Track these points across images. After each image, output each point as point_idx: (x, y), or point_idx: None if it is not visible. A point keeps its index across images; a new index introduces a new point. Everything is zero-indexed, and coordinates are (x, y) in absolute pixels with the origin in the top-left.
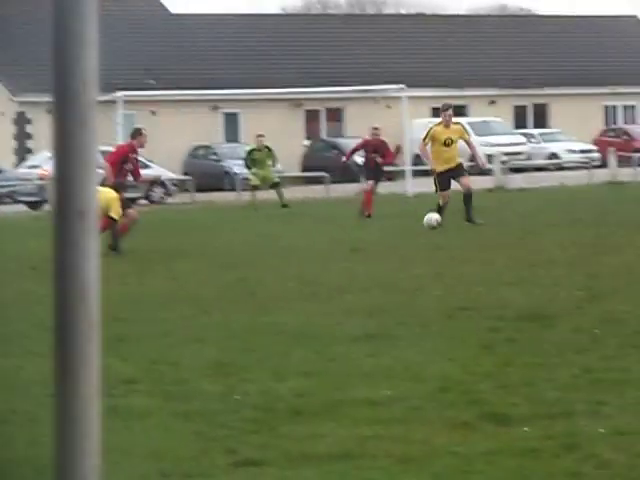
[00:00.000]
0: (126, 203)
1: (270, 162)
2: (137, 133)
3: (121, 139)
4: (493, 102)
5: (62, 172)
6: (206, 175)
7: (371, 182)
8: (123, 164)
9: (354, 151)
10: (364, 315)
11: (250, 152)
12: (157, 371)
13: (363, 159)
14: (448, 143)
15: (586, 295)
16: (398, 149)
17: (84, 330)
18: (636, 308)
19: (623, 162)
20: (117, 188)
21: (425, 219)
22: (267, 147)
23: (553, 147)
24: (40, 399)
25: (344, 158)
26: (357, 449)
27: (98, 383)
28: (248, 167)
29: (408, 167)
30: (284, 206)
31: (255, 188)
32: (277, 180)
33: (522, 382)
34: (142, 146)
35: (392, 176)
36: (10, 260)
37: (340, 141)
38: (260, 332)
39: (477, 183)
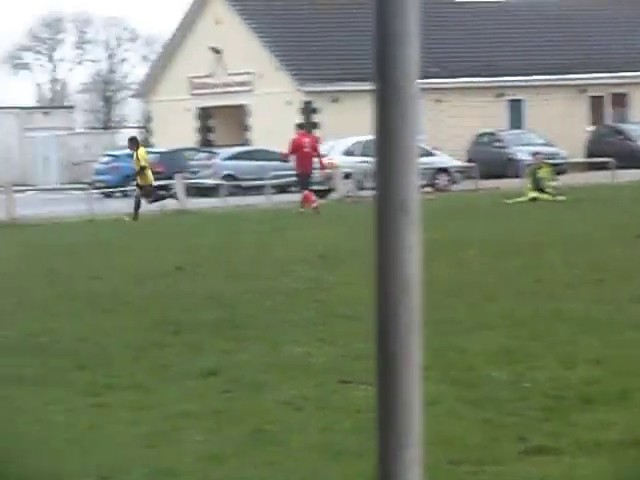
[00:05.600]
0: None
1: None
2: None
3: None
4: None
5: (384, 165)
6: (490, 162)
7: None
8: None
9: None
10: None
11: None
12: (445, 358)
13: None
14: None
15: None
16: None
17: (407, 322)
18: None
19: None
20: None
21: None
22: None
23: None
24: (330, 386)
25: None
26: None
27: (420, 375)
28: (542, 191)
29: None
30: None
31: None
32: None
33: None
34: None
35: None
36: (299, 248)
37: (625, 127)
38: (546, 319)
39: None
